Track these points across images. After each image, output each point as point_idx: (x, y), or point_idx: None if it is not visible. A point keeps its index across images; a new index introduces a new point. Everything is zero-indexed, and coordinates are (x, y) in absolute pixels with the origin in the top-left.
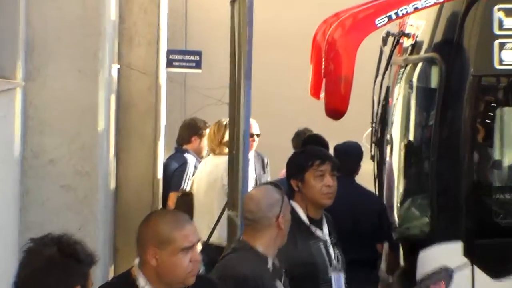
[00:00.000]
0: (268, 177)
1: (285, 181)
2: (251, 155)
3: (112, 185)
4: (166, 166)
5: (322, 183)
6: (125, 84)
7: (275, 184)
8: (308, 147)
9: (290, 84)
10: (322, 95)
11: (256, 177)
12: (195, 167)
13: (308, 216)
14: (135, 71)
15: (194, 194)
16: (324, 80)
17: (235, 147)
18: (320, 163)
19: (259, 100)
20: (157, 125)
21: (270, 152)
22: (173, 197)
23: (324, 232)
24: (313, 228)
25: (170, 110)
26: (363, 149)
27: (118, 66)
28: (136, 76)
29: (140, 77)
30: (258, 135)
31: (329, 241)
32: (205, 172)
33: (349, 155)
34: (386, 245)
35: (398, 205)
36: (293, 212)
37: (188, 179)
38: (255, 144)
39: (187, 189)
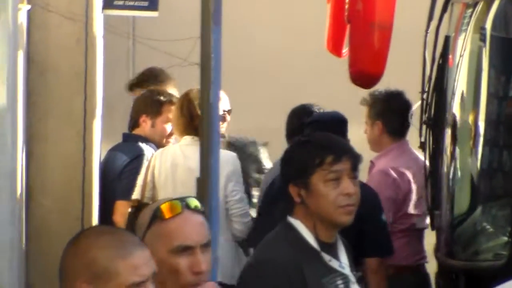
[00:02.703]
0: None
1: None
2: None
3: (20, 191)
4: (107, 162)
5: (338, 191)
6: (40, 34)
7: None
8: (313, 134)
9: (287, 36)
10: (346, 50)
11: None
12: None
13: (317, 240)
14: (55, 15)
15: None
16: (348, 27)
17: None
18: (333, 159)
19: (236, 60)
20: (91, 98)
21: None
22: (121, 208)
23: (342, 262)
24: (327, 258)
25: (111, 75)
26: (412, 132)
27: (29, 7)
28: (56, 22)
29: (63, 23)
30: (227, 112)
31: (351, 276)
32: (185, 169)
33: (331, 127)
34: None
35: (461, 217)
36: (295, 233)
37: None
38: (223, 126)
39: (143, 199)
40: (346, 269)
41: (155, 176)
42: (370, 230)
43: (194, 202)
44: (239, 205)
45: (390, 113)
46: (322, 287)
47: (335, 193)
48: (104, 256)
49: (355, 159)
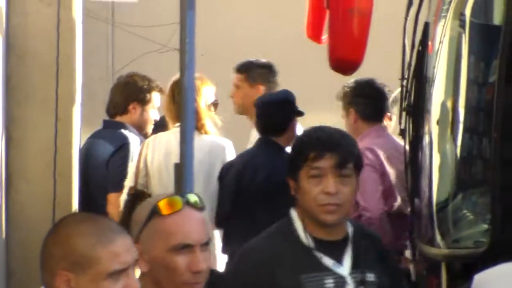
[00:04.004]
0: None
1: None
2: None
3: None
4: (89, 149)
5: (319, 188)
6: (19, 19)
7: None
8: (310, 128)
9: (266, 22)
10: (325, 37)
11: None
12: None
13: (312, 236)
14: (34, 0)
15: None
16: (327, 13)
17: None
18: (315, 156)
19: (216, 46)
20: (70, 85)
21: (237, 136)
22: (114, 200)
23: (342, 263)
24: (318, 255)
25: (90, 61)
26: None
27: None
28: (34, 7)
29: (42, 9)
30: (214, 105)
31: (348, 278)
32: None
33: (276, 107)
34: None
35: (441, 205)
36: (290, 226)
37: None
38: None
39: (137, 186)
40: (343, 270)
41: (148, 163)
42: None
43: (194, 198)
44: None
45: (361, 99)
46: (298, 282)
47: (316, 191)
48: (85, 243)
49: (342, 156)
